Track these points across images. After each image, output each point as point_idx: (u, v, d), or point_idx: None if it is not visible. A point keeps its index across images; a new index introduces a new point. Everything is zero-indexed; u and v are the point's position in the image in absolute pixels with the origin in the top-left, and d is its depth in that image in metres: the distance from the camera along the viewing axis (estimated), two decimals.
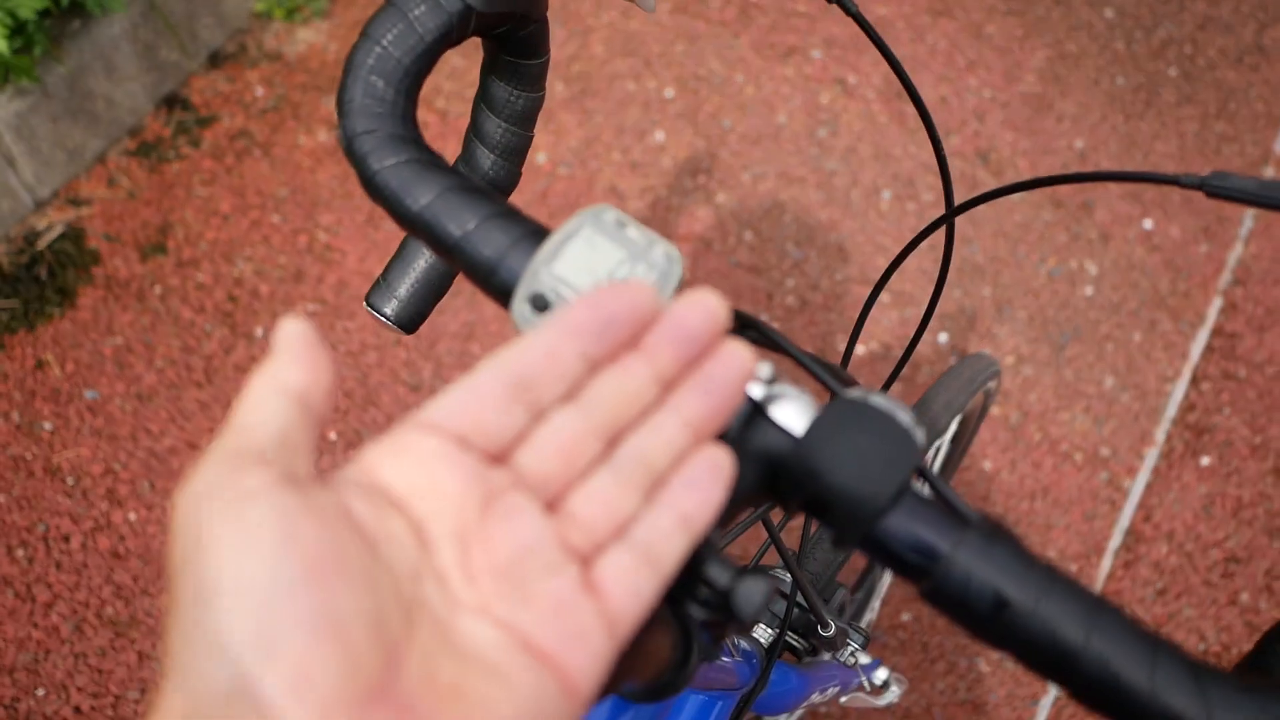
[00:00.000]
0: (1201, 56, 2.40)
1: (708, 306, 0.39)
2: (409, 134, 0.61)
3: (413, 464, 0.35)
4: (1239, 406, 1.98)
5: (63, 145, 2.00)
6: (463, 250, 0.57)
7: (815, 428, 0.49)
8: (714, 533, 0.50)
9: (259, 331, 1.95)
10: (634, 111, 2.24)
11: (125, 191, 2.08)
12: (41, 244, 1.99)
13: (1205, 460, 1.93)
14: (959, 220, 2.15)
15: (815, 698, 1.09)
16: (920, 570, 0.49)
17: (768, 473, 0.51)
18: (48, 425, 1.85)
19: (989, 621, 0.47)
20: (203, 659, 0.28)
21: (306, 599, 0.28)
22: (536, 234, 0.57)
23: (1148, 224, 2.17)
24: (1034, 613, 0.47)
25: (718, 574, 0.45)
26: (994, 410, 1.95)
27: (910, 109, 2.27)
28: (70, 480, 1.80)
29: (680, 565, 0.46)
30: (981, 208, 2.16)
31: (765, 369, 0.52)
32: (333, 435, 1.87)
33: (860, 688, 1.31)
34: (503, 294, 0.57)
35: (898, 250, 2.09)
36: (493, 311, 1.99)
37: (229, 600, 0.28)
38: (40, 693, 1.64)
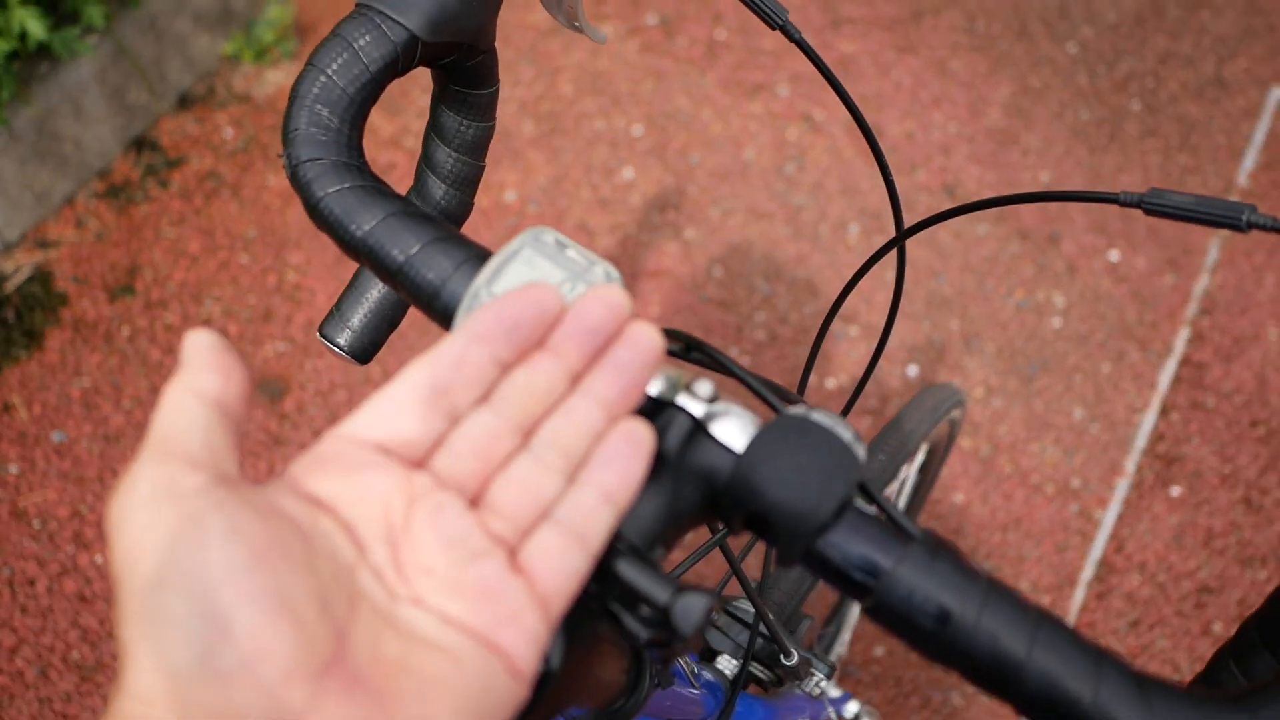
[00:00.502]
0: (1163, 90, 2.44)
1: (609, 300, 0.40)
2: (354, 161, 0.61)
3: (337, 474, 0.36)
4: (1208, 436, 1.99)
5: (30, 188, 2.00)
6: (406, 275, 0.57)
7: (755, 444, 0.49)
8: (655, 551, 0.50)
9: None
10: (602, 149, 2.25)
11: (94, 233, 2.08)
12: (9, 287, 1.98)
13: (1175, 490, 1.94)
14: (926, 253, 2.16)
15: None
16: (863, 587, 0.48)
17: (709, 491, 0.51)
18: (14, 468, 1.83)
19: (933, 636, 0.47)
20: (170, 638, 0.29)
21: (257, 581, 0.30)
22: (479, 257, 0.57)
23: (1114, 255, 2.19)
24: (977, 626, 0.47)
25: (656, 590, 0.45)
26: (965, 443, 1.95)
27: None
28: (36, 523, 1.78)
29: (606, 547, 0.46)
30: (948, 240, 2.17)
31: (705, 387, 0.52)
32: None
33: None
34: (445, 318, 0.57)
35: (866, 283, 2.11)
36: None
37: (185, 584, 0.30)
38: None
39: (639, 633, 0.48)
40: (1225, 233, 2.22)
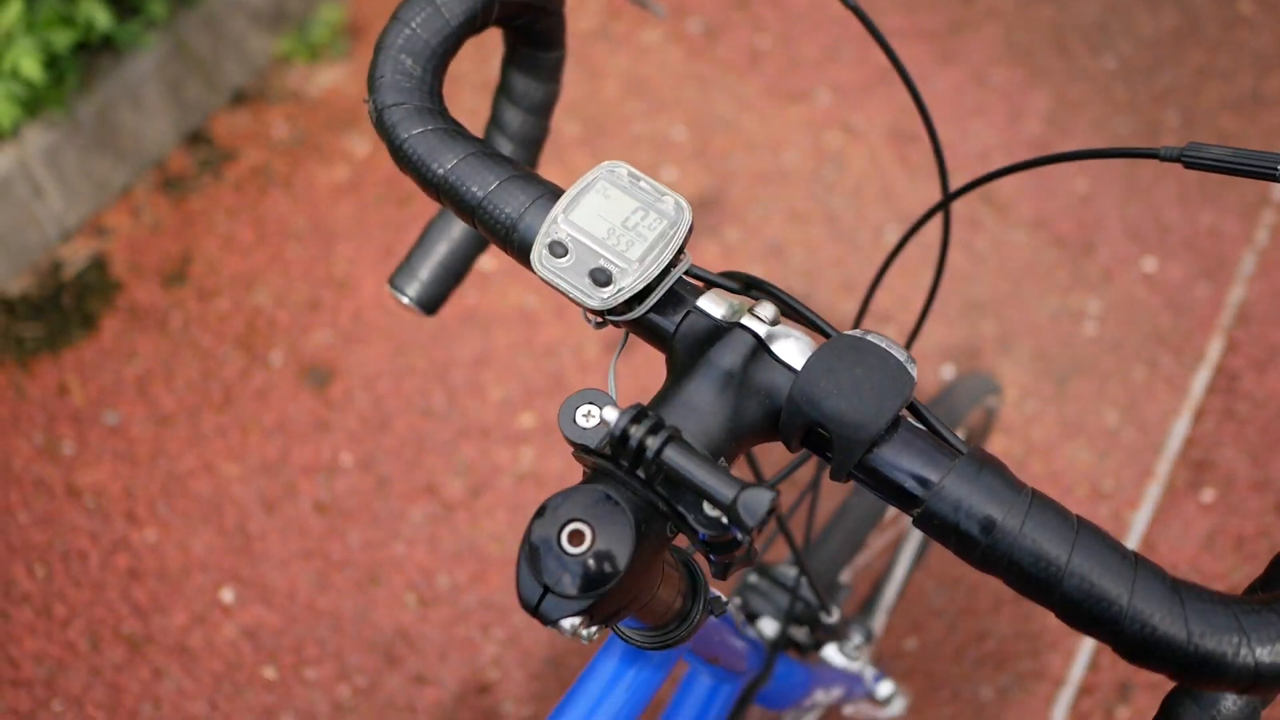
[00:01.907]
0: (1201, 104, 2.46)
1: None
2: (435, 106, 0.65)
3: None
4: (1240, 442, 2.00)
5: (90, 177, 2.06)
6: (484, 210, 0.61)
7: (814, 360, 0.53)
8: (719, 462, 0.53)
9: (276, 358, 1.99)
10: (645, 150, 2.30)
11: (149, 223, 2.14)
12: (67, 273, 2.04)
13: (1207, 495, 1.95)
14: (963, 258, 2.19)
15: (819, 695, 1.11)
16: (913, 498, 0.51)
17: (770, 407, 0.55)
18: (68, 447, 1.88)
19: (978, 544, 0.50)
20: None
21: None
22: (553, 193, 0.61)
23: (1149, 265, 2.20)
24: (1020, 533, 0.50)
25: (723, 487, 0.48)
26: (998, 443, 1.97)
27: (913, 152, 2.32)
28: (90, 501, 1.83)
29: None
30: (985, 247, 2.20)
31: (768, 310, 0.56)
32: (348, 460, 1.90)
33: (865, 698, 1.33)
34: (521, 250, 0.60)
35: (902, 285, 2.14)
36: (505, 340, 2.03)
37: None
38: (57, 706, 1.66)
39: (703, 530, 0.51)
40: (1261, 245, 2.24)
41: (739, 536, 0.50)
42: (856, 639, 1.06)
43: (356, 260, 2.12)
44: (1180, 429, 2.02)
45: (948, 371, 2.05)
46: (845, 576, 1.18)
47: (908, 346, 0.85)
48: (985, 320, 2.11)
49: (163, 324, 2.02)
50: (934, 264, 2.19)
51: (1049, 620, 1.83)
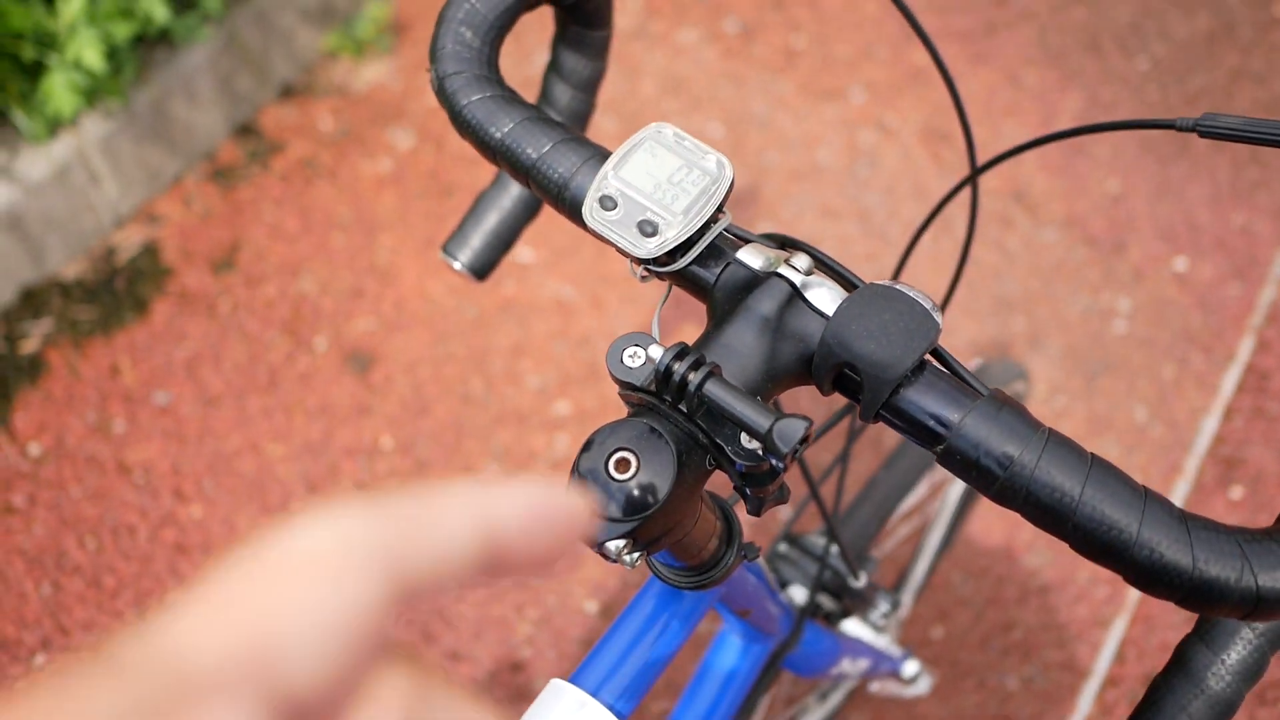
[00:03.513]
0: (1234, 106, 2.47)
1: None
2: (492, 75, 0.70)
3: None
4: (1270, 441, 2.02)
5: (144, 166, 2.13)
6: (539, 170, 0.66)
7: (845, 305, 0.56)
8: (756, 396, 0.57)
9: (320, 343, 2.05)
10: None
11: (200, 211, 2.20)
12: (120, 259, 2.11)
13: (1236, 492, 1.97)
14: (994, 255, 2.22)
15: (846, 665, 1.14)
16: (936, 436, 0.55)
17: (803, 351, 0.58)
18: (119, 426, 1.94)
19: (996, 478, 0.53)
20: None
21: None
22: (602, 154, 0.65)
23: (1180, 264, 2.22)
24: (1036, 468, 0.53)
25: (759, 417, 0.52)
26: None
27: (945, 150, 2.35)
28: (139, 477, 1.89)
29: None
30: (1016, 245, 2.23)
31: (803, 261, 0.60)
32: (388, 442, 1.95)
33: (891, 675, 1.36)
34: (573, 207, 0.65)
35: (933, 279, 2.16)
36: (542, 329, 2.07)
37: None
38: None
39: (740, 461, 0.55)
40: None
41: (775, 465, 0.54)
42: (883, 607, 1.09)
43: (398, 250, 2.17)
44: (1210, 426, 2.04)
45: (977, 365, 2.08)
46: (874, 553, 1.22)
47: (943, 306, 0.89)
48: (1016, 317, 2.14)
49: (212, 309, 2.08)
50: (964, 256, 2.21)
51: (1076, 611, 1.85)
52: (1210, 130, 0.64)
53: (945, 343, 2.05)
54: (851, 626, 1.16)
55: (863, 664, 1.21)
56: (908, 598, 1.52)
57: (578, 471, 0.54)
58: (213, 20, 2.13)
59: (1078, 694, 1.79)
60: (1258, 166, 2.37)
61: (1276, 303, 2.19)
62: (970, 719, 1.76)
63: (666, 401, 0.54)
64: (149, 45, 2.09)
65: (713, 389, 0.52)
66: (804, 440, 0.51)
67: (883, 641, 1.25)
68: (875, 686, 1.48)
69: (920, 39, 0.71)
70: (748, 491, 0.58)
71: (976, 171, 0.79)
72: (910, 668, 1.38)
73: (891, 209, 2.27)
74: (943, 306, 0.88)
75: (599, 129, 2.34)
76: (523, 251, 2.17)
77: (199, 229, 2.18)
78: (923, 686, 1.41)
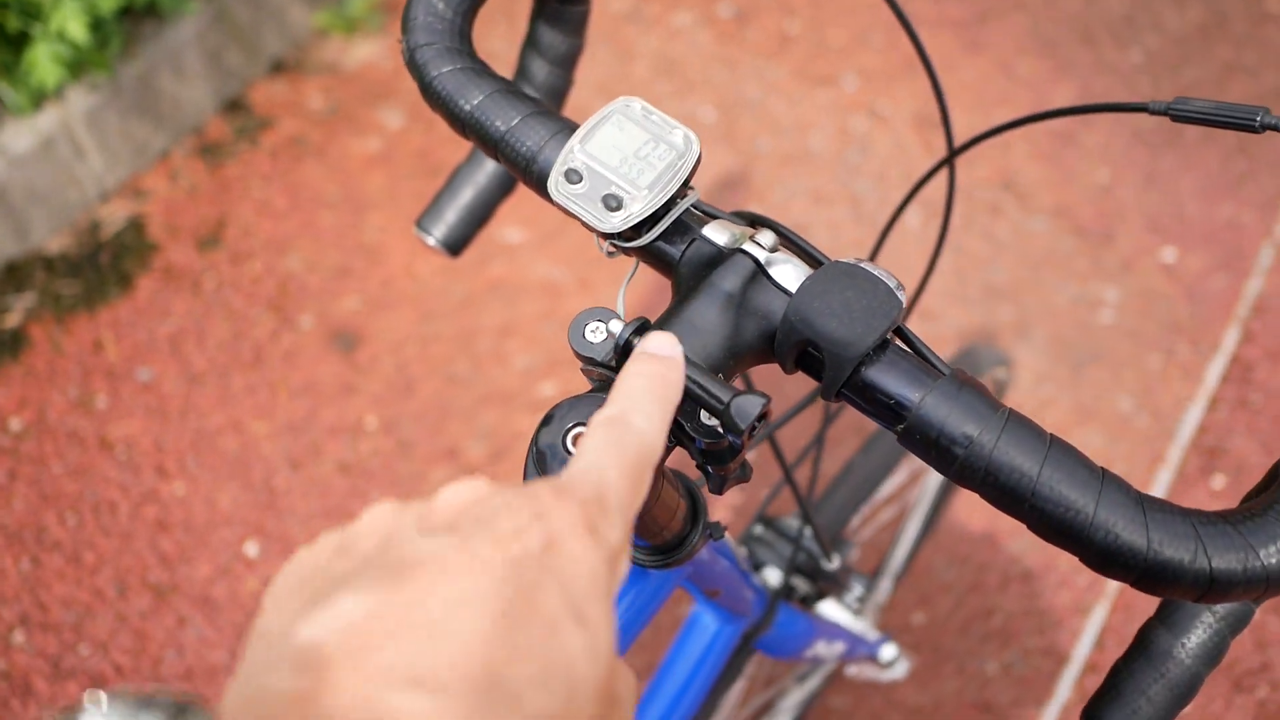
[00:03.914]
0: (1225, 99, 2.47)
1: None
2: (464, 48, 0.69)
3: None
4: (1253, 431, 2.02)
5: (130, 140, 2.12)
6: (507, 143, 0.65)
7: (808, 283, 0.56)
8: (719, 374, 0.57)
9: (306, 321, 2.04)
10: None
11: (186, 187, 2.19)
12: (105, 233, 2.10)
13: (1218, 481, 1.97)
14: (983, 244, 2.21)
15: (820, 647, 1.14)
16: (898, 415, 0.55)
17: (766, 328, 0.58)
18: (102, 401, 1.94)
19: (956, 458, 0.53)
20: None
21: None
22: (571, 128, 0.65)
23: (1168, 255, 2.22)
24: (995, 448, 0.53)
25: (719, 391, 0.52)
26: None
27: (937, 138, 2.35)
28: (121, 453, 1.89)
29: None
30: (1005, 234, 2.22)
31: (768, 238, 0.59)
32: (373, 422, 1.95)
33: (868, 658, 1.36)
34: (540, 180, 0.64)
35: (921, 265, 2.16)
36: (530, 310, 2.07)
37: None
38: (84, 650, 1.72)
39: (699, 437, 0.55)
40: None
41: (733, 442, 0.54)
42: (857, 590, 1.09)
43: (386, 229, 2.16)
44: (1193, 416, 2.04)
45: (961, 352, 2.08)
46: (853, 537, 1.22)
47: (916, 297, 0.88)
48: (1003, 305, 2.14)
49: (196, 285, 2.07)
50: (947, 246, 2.21)
51: (1057, 598, 1.85)
52: (1183, 114, 0.64)
53: (932, 329, 2.05)
54: (827, 609, 1.16)
55: (839, 647, 1.21)
56: (887, 583, 1.52)
57: (536, 447, 0.54)
58: None
59: (1057, 680, 1.79)
60: (1245, 158, 2.37)
61: (1262, 294, 2.19)
62: (950, 704, 1.77)
63: None
64: (136, 18, 2.08)
65: None
66: (762, 417, 0.51)
67: (860, 625, 1.25)
68: (853, 670, 1.48)
69: (893, 11, 0.70)
70: (709, 469, 0.58)
71: (953, 153, 0.79)
72: (888, 651, 1.39)
73: (882, 195, 2.27)
74: (920, 289, 0.88)
75: (589, 110, 2.33)
76: (511, 232, 2.16)
77: (185, 205, 2.17)
78: (900, 670, 1.41)
